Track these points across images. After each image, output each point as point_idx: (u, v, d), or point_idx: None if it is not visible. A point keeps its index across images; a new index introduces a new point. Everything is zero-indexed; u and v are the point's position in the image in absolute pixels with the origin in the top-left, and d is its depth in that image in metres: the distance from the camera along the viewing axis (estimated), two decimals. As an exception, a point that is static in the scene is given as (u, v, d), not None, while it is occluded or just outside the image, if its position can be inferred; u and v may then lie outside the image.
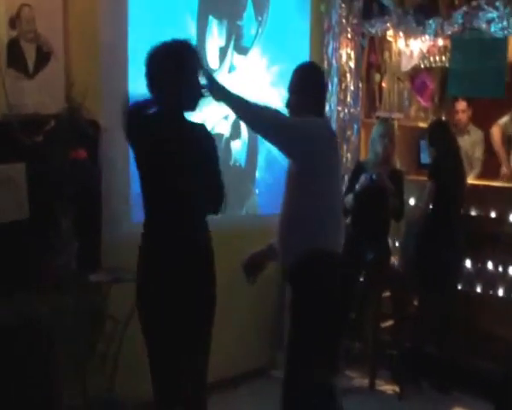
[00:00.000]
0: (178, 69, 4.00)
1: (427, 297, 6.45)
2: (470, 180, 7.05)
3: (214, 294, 4.22)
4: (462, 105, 7.76)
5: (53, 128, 4.73)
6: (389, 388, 6.46)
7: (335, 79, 7.05)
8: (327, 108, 7.00)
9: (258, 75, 6.37)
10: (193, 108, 4.10)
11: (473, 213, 6.69)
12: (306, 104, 4.41)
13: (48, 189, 4.66)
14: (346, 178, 6.84)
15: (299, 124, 4.33)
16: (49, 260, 4.72)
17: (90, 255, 5.00)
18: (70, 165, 4.70)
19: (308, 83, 4.50)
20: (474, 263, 6.65)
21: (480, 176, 7.62)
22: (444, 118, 7.70)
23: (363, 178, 6.16)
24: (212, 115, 5.87)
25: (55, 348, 4.56)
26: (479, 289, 6.64)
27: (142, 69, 5.23)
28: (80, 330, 4.91)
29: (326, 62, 7.08)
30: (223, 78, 5.99)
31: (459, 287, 6.59)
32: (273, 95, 6.40)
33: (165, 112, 4.04)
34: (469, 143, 7.76)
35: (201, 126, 4.16)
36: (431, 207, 6.34)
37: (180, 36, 5.44)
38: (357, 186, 6.20)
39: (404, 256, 6.82)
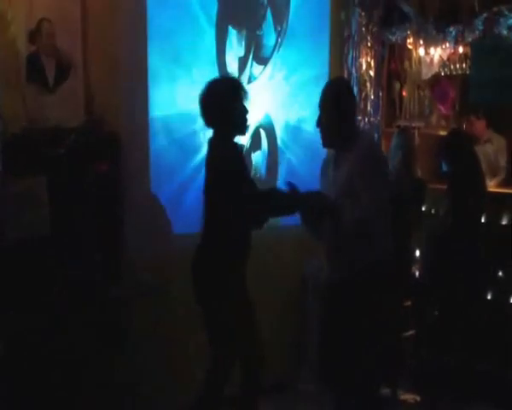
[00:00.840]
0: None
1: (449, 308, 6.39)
2: (494, 187, 7.01)
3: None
4: (481, 124, 7.71)
5: (73, 141, 4.74)
6: (410, 397, 6.42)
7: (355, 89, 7.03)
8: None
9: (277, 85, 6.35)
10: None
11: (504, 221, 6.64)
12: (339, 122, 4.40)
13: (69, 202, 4.67)
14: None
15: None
16: (70, 274, 4.73)
17: (112, 269, 5.01)
18: (91, 178, 4.70)
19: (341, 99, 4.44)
20: (504, 272, 6.59)
21: (505, 183, 7.57)
22: (464, 126, 7.64)
23: None
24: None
25: (79, 361, 4.58)
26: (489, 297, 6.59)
27: (162, 81, 5.28)
28: (101, 344, 4.92)
29: (346, 72, 7.05)
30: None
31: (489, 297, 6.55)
32: (292, 105, 6.38)
33: None
34: (492, 151, 7.71)
35: None
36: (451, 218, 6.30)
37: (200, 47, 5.56)
38: None
39: (424, 266, 6.76)
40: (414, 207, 6.27)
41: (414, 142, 6.55)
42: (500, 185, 7.39)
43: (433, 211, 6.99)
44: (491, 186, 6.95)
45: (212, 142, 4.51)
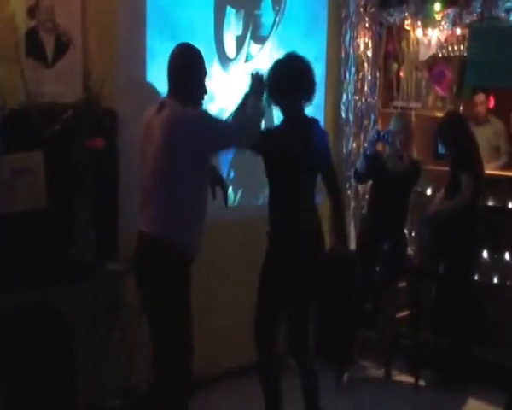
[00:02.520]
0: None
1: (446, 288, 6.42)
2: (496, 171, 7.04)
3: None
4: (480, 98, 7.73)
5: (71, 117, 4.74)
6: (404, 378, 6.46)
7: (353, 69, 7.04)
8: (344, 97, 7.05)
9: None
10: None
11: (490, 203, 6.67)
12: None
13: (65, 177, 4.69)
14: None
15: None
16: (66, 248, 4.75)
17: (107, 244, 5.03)
18: (88, 153, 4.72)
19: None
20: (491, 254, 6.62)
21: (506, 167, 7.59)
22: (461, 108, 7.65)
23: (372, 134, 6.27)
24: (228, 104, 5.88)
25: (73, 337, 4.60)
26: (495, 280, 6.60)
27: (159, 58, 5.28)
28: (96, 319, 4.95)
29: (343, 52, 7.07)
30: (239, 67, 6.01)
31: (476, 278, 6.58)
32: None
33: None
34: (491, 132, 7.73)
35: None
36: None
37: (198, 25, 5.55)
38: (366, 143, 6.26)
39: (420, 247, 6.79)
40: (410, 188, 6.31)
41: (412, 125, 6.53)
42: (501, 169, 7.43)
43: (429, 192, 7.01)
44: (492, 168, 6.97)
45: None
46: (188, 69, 4.35)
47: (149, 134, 4.31)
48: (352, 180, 6.97)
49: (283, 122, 4.89)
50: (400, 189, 6.18)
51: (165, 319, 4.29)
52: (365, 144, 6.28)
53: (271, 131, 5.12)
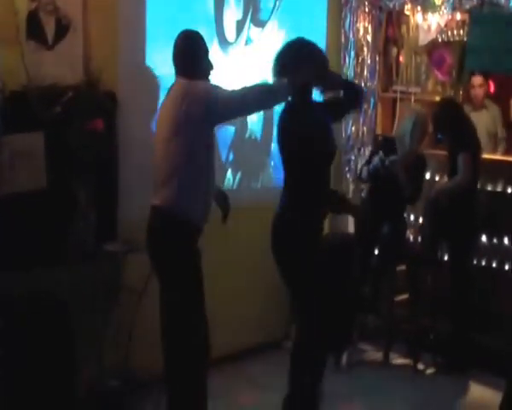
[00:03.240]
0: None
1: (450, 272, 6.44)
2: (495, 156, 7.07)
3: None
4: (478, 80, 7.72)
5: (71, 99, 4.75)
6: (403, 362, 6.49)
7: (352, 53, 7.04)
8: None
9: (274, 48, 6.34)
10: None
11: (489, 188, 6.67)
12: None
13: (65, 159, 4.71)
14: (363, 150, 6.93)
15: None
16: (66, 230, 4.77)
17: (107, 226, 5.06)
18: (87, 136, 4.73)
19: None
20: (490, 239, 6.64)
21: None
22: (461, 93, 7.66)
23: (376, 161, 6.18)
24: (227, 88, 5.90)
25: (73, 318, 4.62)
26: (494, 265, 6.62)
27: (160, 40, 5.29)
28: (96, 300, 4.97)
29: (343, 36, 7.07)
30: (239, 51, 6.01)
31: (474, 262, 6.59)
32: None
33: None
34: (488, 117, 7.74)
35: None
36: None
37: (198, 9, 5.55)
38: (370, 166, 6.24)
39: (422, 231, 6.79)
40: (406, 184, 6.29)
41: (428, 126, 6.50)
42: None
43: (428, 176, 7.02)
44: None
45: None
46: (189, 49, 4.51)
47: (160, 113, 4.58)
48: (352, 164, 7.00)
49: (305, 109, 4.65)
50: (393, 184, 6.18)
51: (171, 289, 4.49)
52: (370, 165, 6.29)
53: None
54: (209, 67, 4.58)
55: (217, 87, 4.49)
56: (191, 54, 4.51)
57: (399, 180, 6.11)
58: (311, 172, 4.48)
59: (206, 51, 4.61)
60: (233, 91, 4.47)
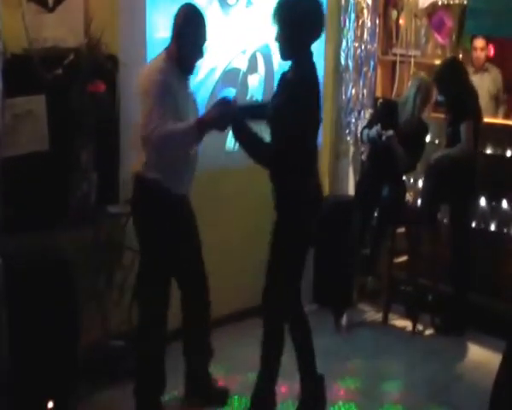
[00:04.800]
0: None
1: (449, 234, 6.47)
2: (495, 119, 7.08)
3: None
4: (480, 42, 7.73)
5: (72, 62, 4.76)
6: (402, 323, 6.54)
7: (352, 15, 7.00)
8: (344, 44, 7.03)
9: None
10: None
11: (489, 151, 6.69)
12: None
13: (67, 121, 4.72)
14: (363, 113, 6.93)
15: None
16: (68, 191, 4.80)
17: (109, 188, 5.09)
18: (89, 98, 4.74)
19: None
20: (489, 202, 6.66)
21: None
22: (461, 56, 7.66)
23: (373, 132, 6.20)
24: (228, 50, 5.90)
25: (76, 280, 4.66)
26: (493, 228, 6.65)
27: (160, 3, 5.29)
28: (99, 261, 5.01)
29: (343, -1, 7.06)
30: (239, 12, 6.00)
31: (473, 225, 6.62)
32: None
33: None
34: (490, 80, 7.76)
35: None
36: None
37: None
38: (369, 135, 6.27)
39: (421, 194, 6.80)
40: (416, 150, 6.31)
41: (432, 91, 6.49)
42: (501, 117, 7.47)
43: (428, 139, 7.03)
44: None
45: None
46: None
47: None
48: (352, 126, 7.01)
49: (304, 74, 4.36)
50: (403, 141, 6.18)
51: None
52: (368, 133, 6.31)
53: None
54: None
55: None
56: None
57: (396, 155, 6.13)
58: None
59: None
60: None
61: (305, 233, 4.42)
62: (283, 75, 4.46)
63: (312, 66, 4.35)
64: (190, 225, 4.70)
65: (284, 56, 4.36)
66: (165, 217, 4.47)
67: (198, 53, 4.51)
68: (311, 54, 4.33)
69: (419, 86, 6.29)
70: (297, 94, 4.18)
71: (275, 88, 4.63)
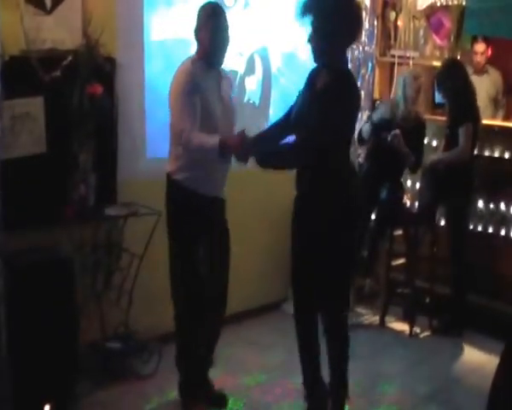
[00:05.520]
0: None
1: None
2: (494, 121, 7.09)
3: None
4: (481, 47, 7.73)
5: (70, 63, 4.76)
6: (400, 325, 6.55)
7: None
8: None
9: (272, 12, 6.32)
10: None
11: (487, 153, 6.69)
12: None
13: (65, 123, 4.73)
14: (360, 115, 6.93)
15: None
16: (66, 193, 4.80)
17: (107, 190, 5.09)
18: (87, 100, 4.74)
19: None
20: (487, 204, 6.67)
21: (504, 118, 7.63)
22: (459, 57, 7.66)
23: (366, 127, 6.24)
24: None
25: (75, 280, 4.66)
26: (491, 230, 6.66)
27: (158, 5, 5.28)
28: (97, 263, 5.01)
29: (342, 0, 7.03)
30: (237, 14, 6.00)
31: (471, 227, 6.63)
32: (288, 32, 6.39)
33: None
34: (490, 83, 7.77)
35: None
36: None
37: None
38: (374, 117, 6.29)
39: (421, 197, 6.80)
40: (418, 149, 6.32)
41: (419, 79, 6.49)
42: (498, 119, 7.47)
43: (425, 141, 7.04)
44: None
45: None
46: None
47: None
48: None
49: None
50: (404, 138, 6.18)
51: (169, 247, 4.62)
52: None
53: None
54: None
55: None
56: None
57: (402, 154, 6.14)
58: None
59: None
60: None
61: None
62: (313, 74, 4.34)
63: (347, 70, 4.33)
64: (217, 228, 4.71)
65: (317, 59, 4.24)
66: (190, 217, 4.53)
67: (223, 41, 4.50)
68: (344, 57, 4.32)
69: (404, 81, 6.31)
70: (333, 98, 4.04)
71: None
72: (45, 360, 4.47)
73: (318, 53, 4.17)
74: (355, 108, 4.34)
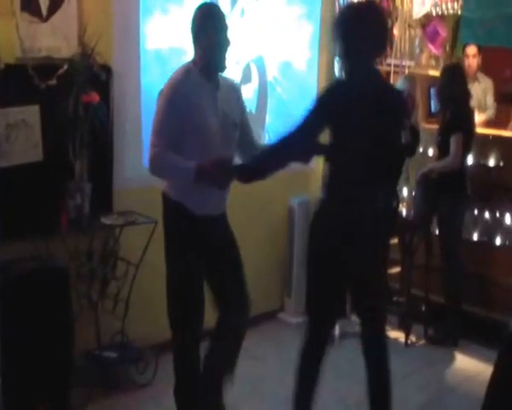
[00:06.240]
0: None
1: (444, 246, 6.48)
2: (482, 126, 7.10)
3: None
4: (472, 50, 7.74)
5: (66, 72, 4.76)
6: (395, 334, 6.53)
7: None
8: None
9: (269, 20, 6.33)
10: None
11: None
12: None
13: (61, 131, 4.72)
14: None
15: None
16: (62, 201, 4.79)
17: (102, 198, 5.08)
18: (82, 108, 4.74)
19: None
20: (480, 212, 6.68)
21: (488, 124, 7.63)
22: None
23: None
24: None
25: (70, 289, 4.66)
26: (486, 239, 6.65)
27: (154, 14, 5.28)
28: (93, 272, 5.00)
29: (337, 8, 7.03)
30: (234, 22, 6.00)
31: (466, 236, 6.62)
32: (283, 41, 6.40)
33: None
34: (480, 89, 7.78)
35: None
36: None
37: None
38: None
39: (415, 205, 6.81)
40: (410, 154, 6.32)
41: (413, 89, 6.50)
42: (488, 125, 7.46)
43: (420, 150, 7.04)
44: (480, 124, 7.00)
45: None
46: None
47: None
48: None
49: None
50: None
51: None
52: None
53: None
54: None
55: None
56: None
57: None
58: None
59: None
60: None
61: None
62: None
63: (369, 82, 4.11)
64: (220, 245, 4.48)
65: (344, 71, 4.22)
66: (190, 238, 4.28)
67: (223, 42, 4.22)
68: (369, 69, 4.15)
69: (406, 86, 6.30)
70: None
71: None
72: (40, 369, 4.46)
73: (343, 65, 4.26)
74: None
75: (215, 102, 4.23)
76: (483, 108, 7.73)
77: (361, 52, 4.05)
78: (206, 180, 3.99)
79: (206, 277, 4.41)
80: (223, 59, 4.24)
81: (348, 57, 4.10)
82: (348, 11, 4.33)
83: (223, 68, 4.28)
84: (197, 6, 4.32)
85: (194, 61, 4.27)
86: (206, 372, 4.43)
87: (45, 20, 4.80)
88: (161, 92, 4.21)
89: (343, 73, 4.25)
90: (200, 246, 4.31)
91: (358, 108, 3.93)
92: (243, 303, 4.46)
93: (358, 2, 4.56)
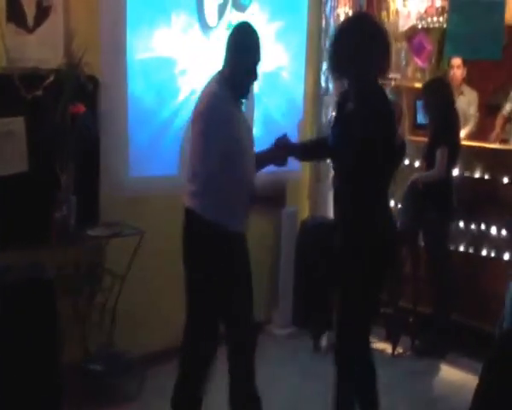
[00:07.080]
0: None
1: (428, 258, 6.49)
2: (465, 138, 7.12)
3: None
4: (457, 61, 7.77)
5: (52, 82, 4.75)
6: (382, 345, 6.52)
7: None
8: (324, 66, 7.03)
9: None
10: None
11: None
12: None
13: (47, 142, 4.70)
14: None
15: None
16: (48, 213, 4.77)
17: (89, 210, 5.05)
18: (69, 119, 4.72)
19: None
20: (466, 224, 6.70)
21: (474, 136, 7.66)
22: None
23: None
24: (209, 72, 5.89)
25: (57, 301, 4.62)
26: (468, 250, 6.68)
27: (141, 25, 5.27)
28: (80, 283, 4.98)
29: (324, 21, 7.06)
30: (220, 35, 6.00)
31: (452, 247, 6.64)
32: (270, 52, 6.40)
33: None
34: (465, 102, 7.80)
35: None
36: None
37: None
38: None
39: (402, 218, 6.81)
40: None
41: (399, 108, 6.53)
42: (471, 138, 7.50)
43: (406, 162, 7.06)
44: (463, 137, 7.02)
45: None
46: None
47: None
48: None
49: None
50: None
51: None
52: None
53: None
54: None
55: None
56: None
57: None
58: None
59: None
60: None
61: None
62: (341, 104, 4.31)
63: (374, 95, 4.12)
64: (247, 267, 4.55)
65: (350, 86, 4.21)
66: (223, 257, 4.23)
67: (253, 75, 4.24)
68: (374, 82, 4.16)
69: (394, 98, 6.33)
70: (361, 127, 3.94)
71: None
72: (27, 381, 4.41)
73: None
74: None
75: (245, 121, 4.39)
76: (468, 121, 7.75)
77: (370, 70, 4.07)
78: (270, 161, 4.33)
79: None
80: (250, 83, 4.32)
81: (359, 76, 4.07)
82: (353, 26, 4.24)
83: (247, 94, 4.40)
84: (235, 25, 4.44)
85: (222, 75, 4.27)
86: None
87: (31, 30, 4.80)
88: (203, 107, 4.12)
89: (349, 89, 4.23)
90: (231, 268, 4.34)
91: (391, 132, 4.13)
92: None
93: (357, 17, 4.55)
